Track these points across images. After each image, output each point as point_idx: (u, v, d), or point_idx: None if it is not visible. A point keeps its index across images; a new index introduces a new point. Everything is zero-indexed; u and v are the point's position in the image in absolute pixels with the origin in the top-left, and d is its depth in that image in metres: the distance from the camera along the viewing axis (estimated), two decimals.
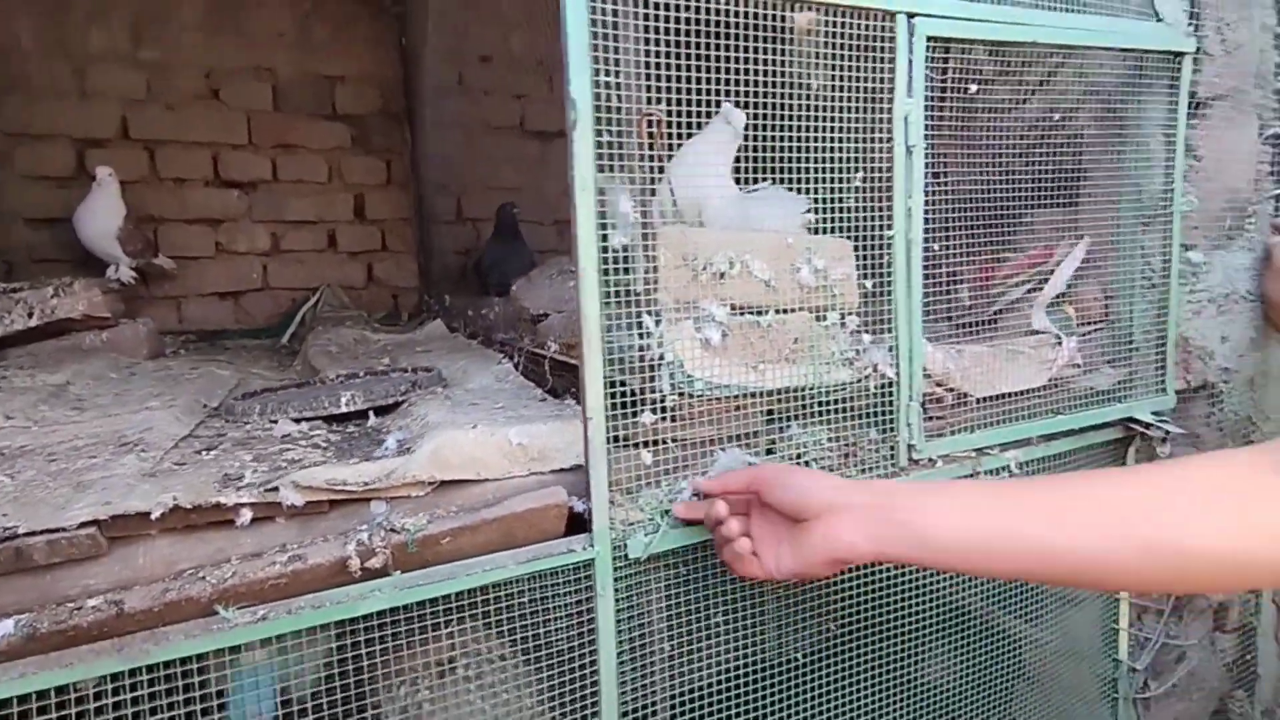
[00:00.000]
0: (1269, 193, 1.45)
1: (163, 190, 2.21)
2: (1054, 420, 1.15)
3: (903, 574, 1.06)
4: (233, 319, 2.36)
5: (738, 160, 1.02)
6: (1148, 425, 1.22)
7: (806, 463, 0.97)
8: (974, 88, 1.00)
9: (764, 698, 0.97)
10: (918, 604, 1.10)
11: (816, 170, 0.93)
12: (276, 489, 0.73)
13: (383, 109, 2.47)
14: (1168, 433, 1.21)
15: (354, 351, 1.77)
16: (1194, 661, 1.48)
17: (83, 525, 0.67)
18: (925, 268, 1.07)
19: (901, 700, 1.12)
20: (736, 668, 0.95)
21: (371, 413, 1.09)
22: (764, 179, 1.04)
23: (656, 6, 0.80)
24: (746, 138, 0.97)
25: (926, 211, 1.01)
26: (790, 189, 1.00)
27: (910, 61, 0.94)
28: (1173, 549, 0.55)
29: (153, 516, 0.69)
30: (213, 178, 2.28)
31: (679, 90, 0.84)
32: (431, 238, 2.52)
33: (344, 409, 1.10)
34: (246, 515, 0.72)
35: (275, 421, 1.01)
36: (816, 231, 1.01)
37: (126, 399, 1.23)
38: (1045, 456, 1.16)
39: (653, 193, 0.83)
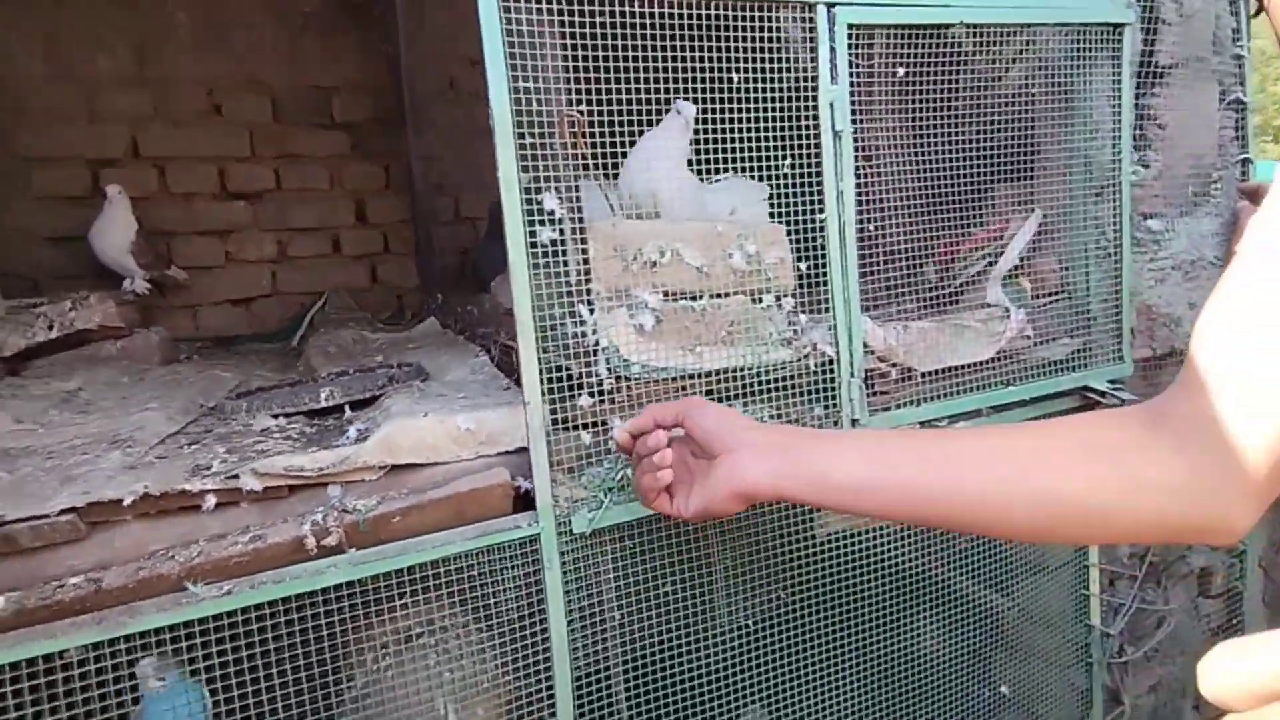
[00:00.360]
0: (1234, 157, 1.45)
1: (173, 204, 2.32)
2: (1004, 391, 1.18)
3: (859, 541, 1.11)
4: (245, 324, 2.47)
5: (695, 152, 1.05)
6: (1103, 394, 1.24)
7: None
8: (901, 71, 1.03)
9: (716, 663, 1.02)
10: (877, 572, 1.14)
11: (745, 160, 0.97)
12: (237, 476, 0.81)
13: (377, 116, 2.54)
14: (1123, 401, 1.23)
15: (350, 351, 1.85)
16: (1173, 626, 1.49)
17: (63, 512, 0.75)
18: (878, 247, 1.11)
19: (864, 668, 1.16)
20: (687, 635, 1.01)
21: (348, 407, 1.16)
22: (721, 170, 1.08)
23: (574, 14, 0.85)
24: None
25: (862, 193, 1.05)
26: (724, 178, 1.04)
27: (832, 49, 0.98)
28: (1046, 497, 0.58)
29: (125, 503, 0.76)
30: (220, 190, 2.38)
31: (605, 90, 0.89)
32: (431, 238, 2.59)
33: (323, 404, 1.18)
34: (211, 501, 0.80)
35: (255, 417, 1.09)
36: (778, 219, 1.05)
37: (129, 402, 1.32)
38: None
39: (578, 189, 0.88)
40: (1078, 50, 1.19)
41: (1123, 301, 1.25)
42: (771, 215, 1.03)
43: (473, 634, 0.92)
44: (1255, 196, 1.39)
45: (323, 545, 0.81)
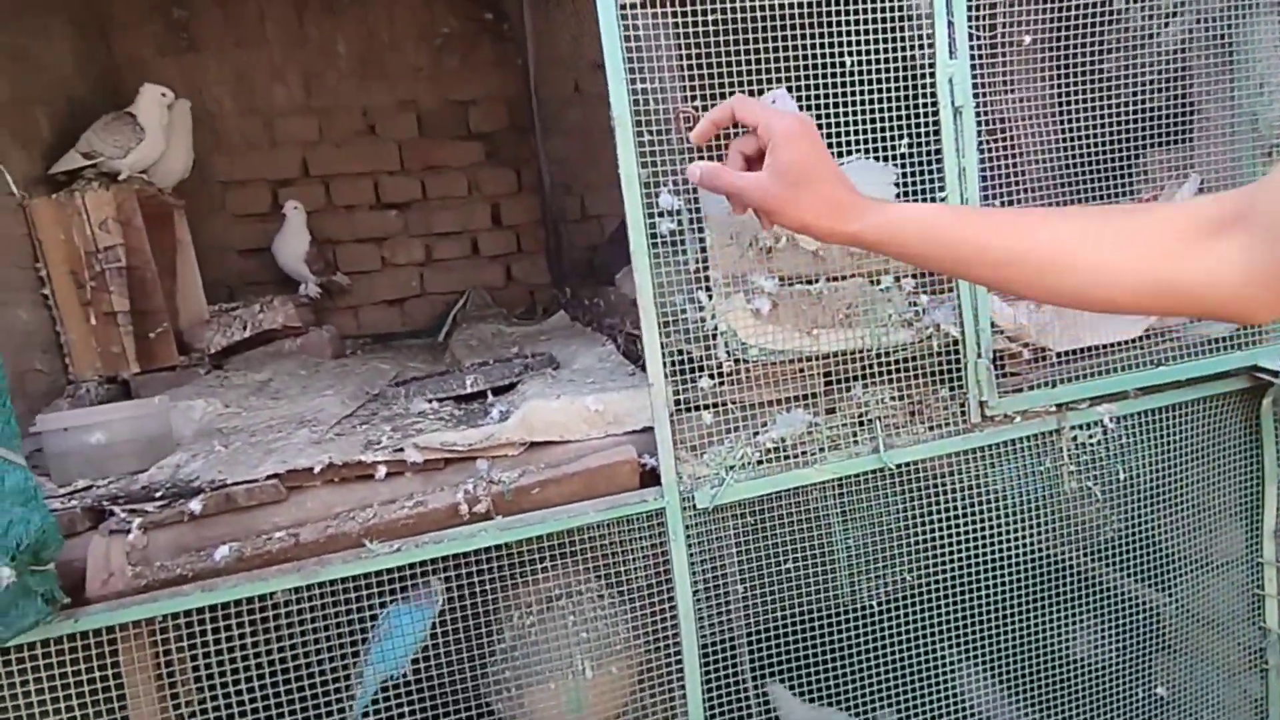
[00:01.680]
0: None
1: (337, 216, 2.60)
2: (1156, 372, 1.10)
3: (995, 529, 1.08)
4: (399, 322, 2.72)
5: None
6: (1276, 373, 1.12)
7: (871, 420, 1.03)
8: (1028, 39, 0.99)
9: (837, 639, 1.04)
10: (1017, 562, 1.10)
11: (861, 142, 0.97)
12: (403, 449, 0.92)
13: (511, 124, 2.71)
14: None
15: (490, 344, 2.00)
16: None
17: (269, 477, 0.89)
18: None
19: (1004, 662, 1.13)
20: (810, 610, 1.03)
21: (490, 392, 1.28)
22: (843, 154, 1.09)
23: (688, 13, 0.90)
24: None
25: (988, 168, 1.02)
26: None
27: (950, 24, 0.96)
28: (1075, 263, 0.63)
29: (315, 471, 0.90)
30: (375, 201, 2.64)
31: (720, 84, 0.93)
32: (560, 236, 2.74)
33: (468, 390, 1.30)
34: (382, 470, 0.92)
35: (412, 402, 1.22)
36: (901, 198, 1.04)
37: (309, 390, 1.52)
38: (1150, 409, 1.12)
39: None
40: None
41: None
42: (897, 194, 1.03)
43: (606, 599, 0.99)
44: None
45: (474, 512, 0.91)
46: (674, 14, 0.89)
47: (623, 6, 0.88)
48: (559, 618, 0.97)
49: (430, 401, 1.23)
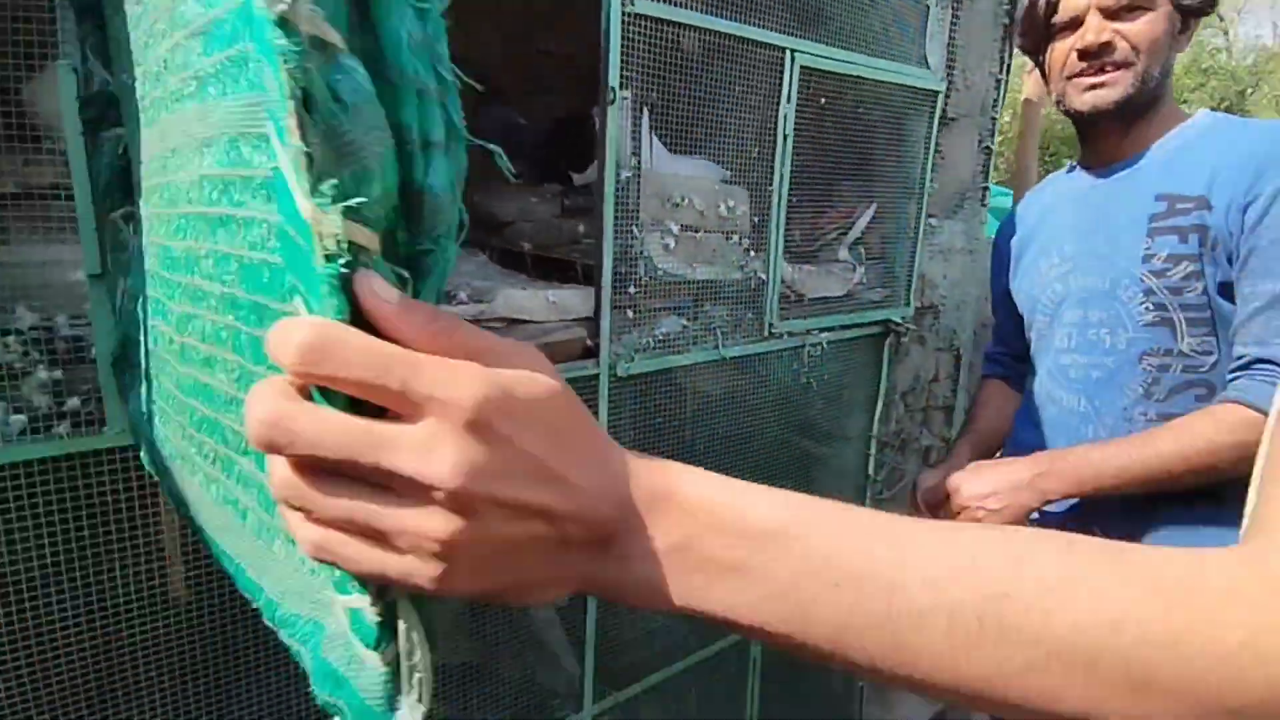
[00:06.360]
0: (980, 185, 2.26)
1: None
2: (850, 316, 1.85)
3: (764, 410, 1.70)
4: None
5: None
6: (897, 324, 1.96)
7: (715, 328, 1.56)
8: (823, 100, 1.61)
9: None
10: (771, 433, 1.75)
11: (734, 145, 1.48)
12: None
13: None
14: (908, 329, 1.96)
15: None
16: (910, 482, 2.33)
17: None
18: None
19: None
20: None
21: None
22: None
23: (647, 37, 1.29)
24: (691, 118, 1.48)
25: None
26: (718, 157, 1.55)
27: (790, 79, 1.52)
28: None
29: None
30: None
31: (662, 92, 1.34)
32: None
33: None
34: None
35: None
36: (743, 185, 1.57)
37: None
38: (842, 340, 1.86)
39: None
40: (909, 103, 1.86)
41: (915, 269, 1.98)
42: (737, 182, 1.56)
43: None
44: None
45: None
46: (639, 28, 1.28)
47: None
48: None
49: None
